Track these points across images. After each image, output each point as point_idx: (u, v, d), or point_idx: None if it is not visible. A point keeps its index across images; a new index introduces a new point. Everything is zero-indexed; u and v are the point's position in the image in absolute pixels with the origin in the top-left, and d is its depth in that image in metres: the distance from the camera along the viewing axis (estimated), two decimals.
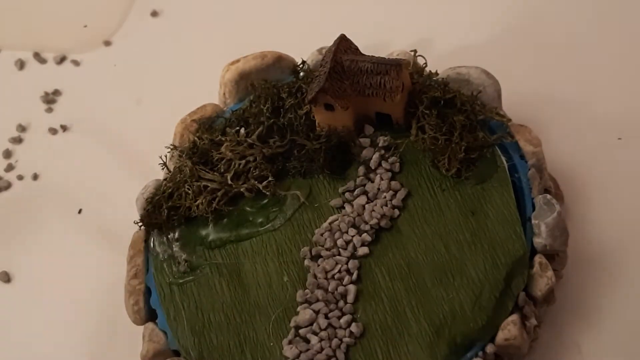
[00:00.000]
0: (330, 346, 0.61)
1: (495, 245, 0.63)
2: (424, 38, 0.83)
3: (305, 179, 0.68)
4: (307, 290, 0.63)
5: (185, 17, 0.90)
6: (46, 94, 0.86)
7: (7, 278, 0.75)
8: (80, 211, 0.78)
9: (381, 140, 0.67)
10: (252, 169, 0.68)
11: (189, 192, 0.68)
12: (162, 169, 0.71)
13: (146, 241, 0.69)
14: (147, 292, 0.67)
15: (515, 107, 0.72)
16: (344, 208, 0.66)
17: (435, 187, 0.66)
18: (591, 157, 0.74)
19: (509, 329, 0.60)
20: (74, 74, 0.88)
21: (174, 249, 0.67)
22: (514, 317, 0.61)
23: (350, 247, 0.64)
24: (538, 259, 0.63)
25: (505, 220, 0.64)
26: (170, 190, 0.68)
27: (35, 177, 0.81)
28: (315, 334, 0.61)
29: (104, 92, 0.86)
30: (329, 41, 0.67)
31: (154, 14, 0.91)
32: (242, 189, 0.67)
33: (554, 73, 0.80)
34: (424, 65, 0.71)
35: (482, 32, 0.84)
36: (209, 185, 0.68)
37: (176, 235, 0.68)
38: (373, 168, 0.67)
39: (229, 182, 0.67)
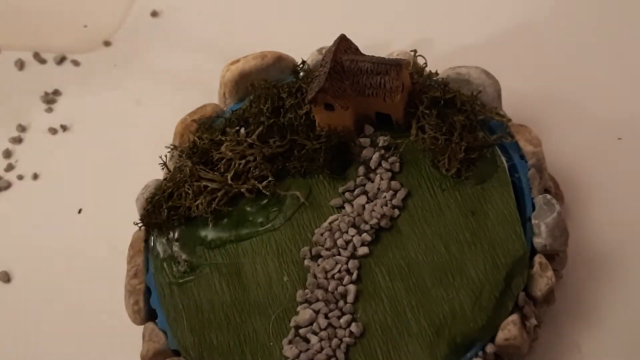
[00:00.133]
0: (330, 346, 0.61)
1: (495, 245, 0.63)
2: (424, 38, 0.83)
3: (305, 179, 0.68)
4: (307, 290, 0.63)
5: (185, 17, 0.90)
6: (46, 94, 0.86)
7: (7, 278, 0.75)
8: (80, 211, 0.78)
9: (381, 140, 0.67)
10: (252, 168, 0.68)
11: (189, 192, 0.68)
12: (162, 169, 0.71)
13: (146, 241, 0.69)
14: (147, 292, 0.67)
15: (515, 107, 0.72)
16: (344, 208, 0.66)
17: (435, 187, 0.66)
18: (591, 157, 0.74)
19: (509, 329, 0.60)
20: (74, 74, 0.88)
21: (174, 249, 0.67)
22: (514, 317, 0.61)
23: (350, 247, 0.64)
24: (538, 259, 0.63)
25: (505, 220, 0.64)
26: (170, 190, 0.69)
27: (35, 177, 0.81)
28: (315, 333, 0.62)
29: (104, 92, 0.86)
30: (329, 41, 0.67)
31: (154, 14, 0.91)
32: (242, 189, 0.67)
33: (554, 73, 0.80)
34: (424, 65, 0.71)
35: (482, 32, 0.84)
36: (209, 185, 0.68)
37: (176, 235, 0.68)
38: (373, 168, 0.67)
39: (229, 182, 0.67)
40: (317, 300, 0.63)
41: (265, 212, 0.67)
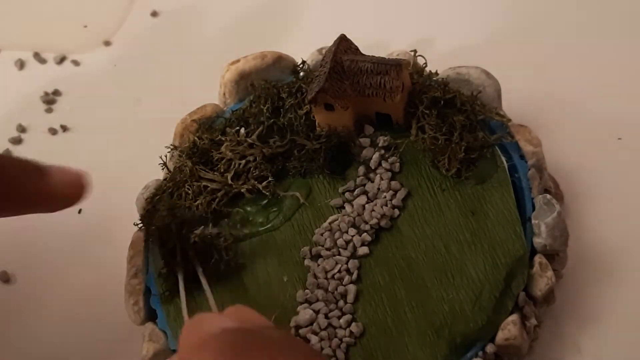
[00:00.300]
0: (330, 346, 0.61)
1: (495, 245, 0.63)
2: (424, 38, 0.83)
3: (305, 179, 0.68)
4: (307, 290, 0.63)
5: (185, 17, 0.90)
6: (46, 94, 0.86)
7: (7, 278, 0.75)
8: (80, 211, 0.78)
9: (381, 140, 0.67)
10: (252, 169, 0.68)
11: (189, 192, 0.68)
12: (162, 169, 0.71)
13: (146, 241, 0.69)
14: (147, 292, 0.66)
15: (515, 107, 0.72)
16: (344, 208, 0.66)
17: (435, 187, 0.66)
18: (591, 157, 0.74)
19: (509, 329, 0.60)
20: (74, 74, 0.88)
21: None
22: (514, 317, 0.61)
23: (350, 247, 0.64)
24: (538, 259, 0.63)
25: (505, 220, 0.64)
26: (170, 190, 0.69)
27: None
28: (315, 333, 0.61)
29: (104, 92, 0.86)
30: (329, 41, 0.67)
31: (154, 14, 0.91)
32: (242, 189, 0.67)
33: (554, 73, 0.80)
34: (424, 65, 0.71)
35: (482, 32, 0.84)
36: (209, 185, 0.68)
37: None
38: (373, 168, 0.67)
39: (229, 182, 0.67)
40: (317, 300, 0.63)
41: (265, 212, 0.67)
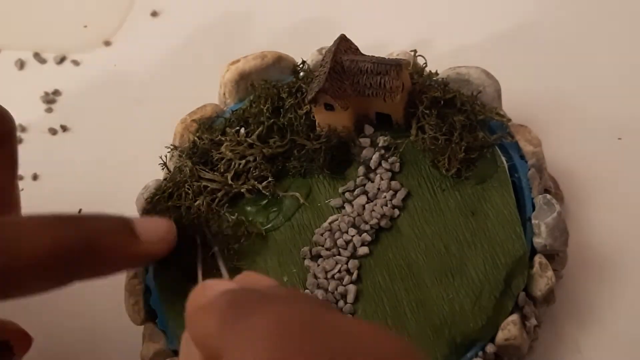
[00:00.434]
0: None
1: (495, 245, 0.63)
2: (424, 38, 0.83)
3: (305, 179, 0.68)
4: (307, 290, 0.63)
5: (185, 17, 0.90)
6: (46, 94, 0.86)
7: None
8: (80, 211, 0.78)
9: (381, 140, 0.67)
10: (252, 169, 0.68)
11: (189, 192, 0.68)
12: (162, 169, 0.71)
13: None
14: (147, 292, 0.66)
15: (515, 107, 0.72)
16: (344, 208, 0.66)
17: (435, 187, 0.66)
18: (591, 157, 0.74)
19: (509, 329, 0.60)
20: (74, 74, 0.88)
21: None
22: (514, 317, 0.61)
23: (350, 247, 0.64)
24: (538, 259, 0.63)
25: (505, 220, 0.64)
26: (170, 190, 0.68)
27: (35, 177, 0.81)
28: None
29: (104, 92, 0.86)
30: (329, 41, 0.67)
31: (154, 14, 0.91)
32: (242, 189, 0.67)
33: (554, 73, 0.80)
34: (424, 65, 0.71)
35: (482, 32, 0.84)
36: (209, 185, 0.68)
37: None
38: (373, 168, 0.67)
39: (229, 182, 0.67)
40: None
41: (265, 213, 0.67)
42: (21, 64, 0.89)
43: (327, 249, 0.64)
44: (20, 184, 0.81)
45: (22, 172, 0.81)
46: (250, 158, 0.68)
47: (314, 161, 0.67)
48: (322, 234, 0.65)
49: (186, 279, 0.64)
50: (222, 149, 0.68)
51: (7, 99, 0.87)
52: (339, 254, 0.64)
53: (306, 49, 0.74)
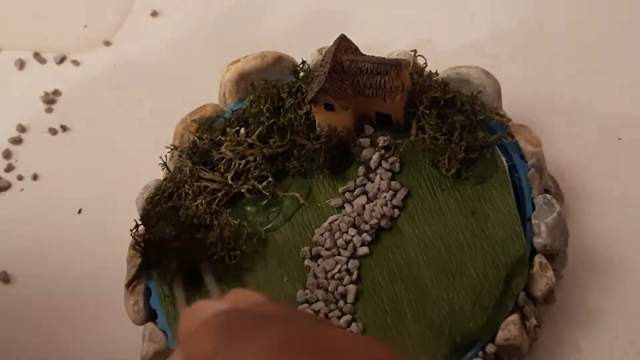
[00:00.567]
0: None
1: (495, 245, 0.63)
2: (424, 38, 0.83)
3: (305, 179, 0.68)
4: (307, 290, 0.63)
5: (185, 17, 0.90)
6: (46, 94, 0.86)
7: (7, 278, 0.75)
8: (80, 211, 0.78)
9: (381, 140, 0.67)
10: (252, 169, 0.68)
11: (189, 192, 0.68)
12: (162, 169, 0.71)
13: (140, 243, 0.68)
14: (147, 292, 0.66)
15: (515, 107, 0.72)
16: (344, 208, 0.66)
17: (435, 187, 0.66)
18: (591, 158, 0.74)
19: (509, 329, 0.60)
20: (74, 74, 0.88)
21: None
22: (514, 317, 0.61)
23: (350, 247, 0.64)
24: (538, 259, 0.63)
25: (505, 220, 0.64)
26: (170, 190, 0.68)
27: (35, 177, 0.81)
28: None
29: (104, 92, 0.86)
30: (329, 41, 0.67)
31: (154, 14, 0.91)
32: (242, 190, 0.67)
33: (554, 73, 0.80)
34: (424, 65, 0.71)
35: (482, 32, 0.84)
36: (209, 185, 0.68)
37: None
38: (373, 168, 0.67)
39: (229, 182, 0.67)
40: (317, 300, 0.63)
41: (265, 213, 0.67)
42: (21, 64, 0.89)
43: (327, 249, 0.64)
44: (20, 184, 0.81)
45: (22, 172, 0.81)
46: (250, 158, 0.68)
47: (314, 161, 0.67)
48: (322, 234, 0.65)
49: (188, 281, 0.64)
50: (222, 149, 0.68)
51: (7, 99, 0.88)
52: (339, 254, 0.64)
53: (306, 49, 0.74)
